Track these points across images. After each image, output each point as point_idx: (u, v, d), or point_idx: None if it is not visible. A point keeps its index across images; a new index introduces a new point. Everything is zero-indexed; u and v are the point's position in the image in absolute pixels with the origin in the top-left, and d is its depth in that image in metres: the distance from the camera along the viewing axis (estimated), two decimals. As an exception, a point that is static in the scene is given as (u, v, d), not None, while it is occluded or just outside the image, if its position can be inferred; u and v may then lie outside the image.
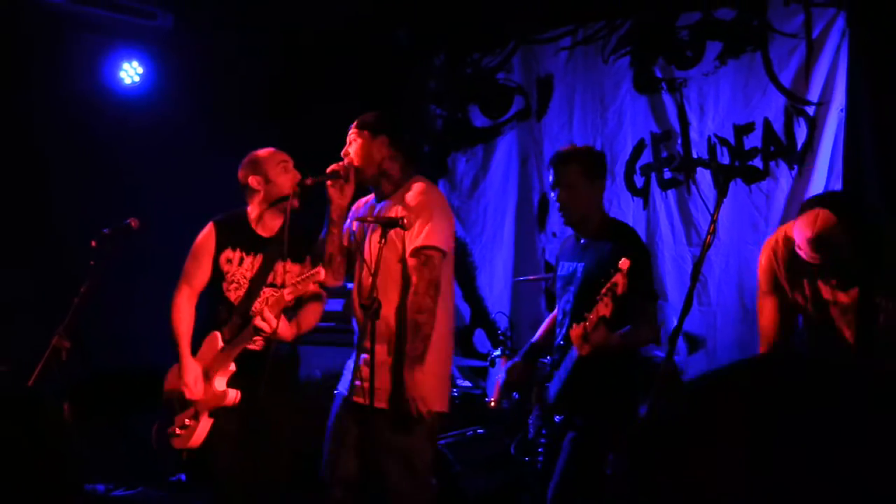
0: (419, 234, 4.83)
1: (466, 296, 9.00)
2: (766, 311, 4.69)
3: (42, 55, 7.67)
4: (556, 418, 5.07)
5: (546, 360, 5.36)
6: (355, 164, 5.06)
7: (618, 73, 8.10)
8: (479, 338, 8.87)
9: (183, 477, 7.35)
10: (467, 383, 7.97)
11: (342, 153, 5.15)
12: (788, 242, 4.52)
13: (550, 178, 5.17)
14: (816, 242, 4.23)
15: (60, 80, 7.77)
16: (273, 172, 5.41)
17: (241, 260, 5.43)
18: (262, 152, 5.51)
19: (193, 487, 7.20)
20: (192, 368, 5.34)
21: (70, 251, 7.14)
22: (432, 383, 4.90)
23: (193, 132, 8.11)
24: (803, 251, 4.29)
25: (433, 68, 9.19)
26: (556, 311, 5.43)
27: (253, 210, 5.49)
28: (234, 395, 5.27)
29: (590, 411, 4.98)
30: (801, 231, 4.29)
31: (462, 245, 9.01)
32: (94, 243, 6.15)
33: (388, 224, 4.69)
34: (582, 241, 5.19)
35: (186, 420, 5.36)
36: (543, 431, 5.21)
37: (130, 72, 8.10)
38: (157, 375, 6.56)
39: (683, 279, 7.48)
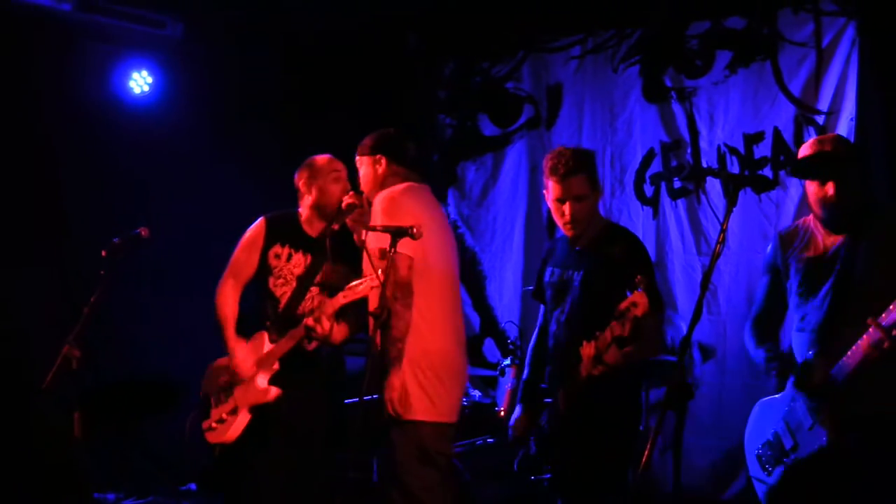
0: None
1: (476, 305, 8.98)
2: (759, 289, 4.90)
3: (52, 64, 7.69)
4: (566, 433, 4.99)
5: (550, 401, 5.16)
6: (363, 189, 5.23)
7: (627, 82, 8.09)
8: (489, 347, 8.85)
9: (193, 486, 7.35)
10: (477, 392, 7.95)
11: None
12: (794, 225, 4.70)
13: (554, 192, 4.96)
14: (818, 142, 4.56)
15: (70, 89, 7.79)
16: (325, 181, 5.57)
17: (290, 256, 5.59)
18: (319, 159, 5.70)
19: (204, 497, 7.20)
20: (240, 348, 5.50)
21: (80, 260, 7.17)
22: (415, 392, 4.91)
23: (203, 141, 8.13)
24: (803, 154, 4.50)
25: (443, 77, 9.18)
26: (537, 329, 5.38)
27: (304, 212, 5.65)
28: (275, 392, 5.35)
29: (599, 431, 4.89)
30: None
31: (472, 254, 9.00)
32: (104, 253, 6.16)
33: (398, 233, 4.64)
34: (577, 248, 5.03)
35: (224, 414, 5.47)
36: (543, 454, 5.15)
37: (140, 81, 8.11)
38: (167, 384, 6.59)
39: (693, 288, 7.47)
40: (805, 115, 7.21)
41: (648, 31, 7.97)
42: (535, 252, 8.49)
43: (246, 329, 5.56)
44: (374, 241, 4.79)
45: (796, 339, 4.66)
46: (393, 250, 4.56)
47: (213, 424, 5.50)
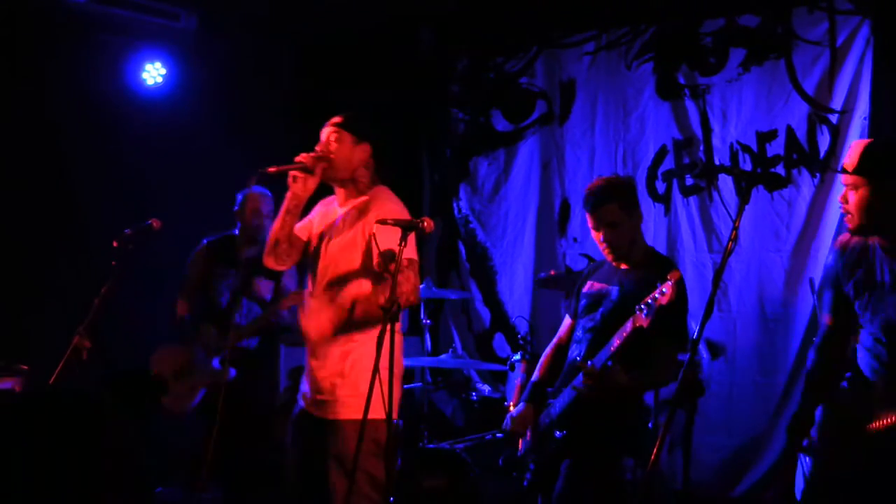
0: (410, 246, 4.70)
1: (486, 300, 8.99)
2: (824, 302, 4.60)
3: (65, 55, 7.70)
4: (557, 434, 5.00)
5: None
6: (332, 161, 4.88)
7: (641, 79, 8.09)
8: (499, 342, 8.86)
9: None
10: (487, 387, 7.97)
11: (317, 147, 4.95)
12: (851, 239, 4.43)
13: (590, 222, 5.00)
14: (863, 152, 4.21)
15: (83, 80, 7.80)
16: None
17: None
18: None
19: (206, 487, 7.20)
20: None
21: (92, 251, 7.18)
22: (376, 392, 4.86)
23: (215, 134, 8.13)
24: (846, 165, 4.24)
25: (456, 72, 9.19)
26: (557, 339, 5.36)
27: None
28: (229, 373, 6.12)
29: (593, 435, 4.89)
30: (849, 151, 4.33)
31: (483, 249, 9.01)
32: (115, 243, 6.18)
33: (409, 227, 4.62)
34: (622, 268, 5.05)
35: (183, 390, 6.45)
36: (534, 451, 5.15)
37: (153, 73, 8.11)
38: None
39: (704, 286, 7.45)
40: (818, 113, 7.20)
41: (662, 28, 7.97)
42: (546, 248, 8.51)
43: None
44: (385, 236, 4.74)
45: None
46: (404, 244, 4.54)
47: (173, 398, 6.46)
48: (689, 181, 7.82)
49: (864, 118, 6.96)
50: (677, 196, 7.86)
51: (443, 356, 7.25)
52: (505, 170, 8.92)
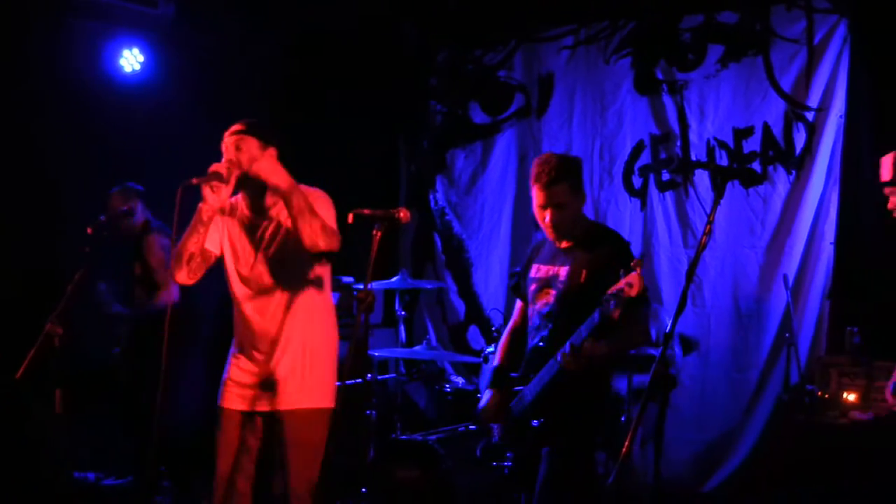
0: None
1: (462, 292, 9.00)
2: None
3: (42, 41, 7.64)
4: (534, 422, 5.01)
5: (520, 388, 5.13)
6: (244, 169, 4.82)
7: (619, 74, 8.10)
8: (474, 334, 8.87)
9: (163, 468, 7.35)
10: (460, 379, 7.97)
11: (224, 157, 4.90)
12: None
13: (537, 198, 4.95)
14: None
15: (60, 66, 7.74)
16: None
17: None
18: None
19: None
20: None
21: (68, 238, 7.15)
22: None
23: (194, 121, 8.07)
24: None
25: (435, 64, 9.18)
26: (512, 323, 5.38)
27: None
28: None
29: (571, 420, 4.90)
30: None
31: (459, 241, 9.01)
32: (89, 230, 6.15)
33: (385, 218, 4.64)
34: (563, 246, 5.04)
35: None
36: (510, 437, 5.17)
37: (131, 59, 8.06)
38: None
39: (679, 280, 7.49)
40: (795, 111, 7.24)
41: (641, 23, 7.98)
42: (523, 240, 8.52)
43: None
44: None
45: None
46: (379, 234, 4.56)
47: None
48: (665, 176, 7.84)
49: (841, 116, 7.00)
50: (653, 191, 7.89)
51: (417, 348, 7.25)
52: (482, 162, 8.93)
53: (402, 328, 7.60)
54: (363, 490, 6.58)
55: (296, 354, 4.90)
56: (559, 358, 4.73)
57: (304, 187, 4.89)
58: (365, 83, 8.80)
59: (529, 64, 8.67)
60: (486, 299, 8.84)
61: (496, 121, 8.85)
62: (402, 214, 4.60)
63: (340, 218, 4.77)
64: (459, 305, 9.00)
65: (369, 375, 7.12)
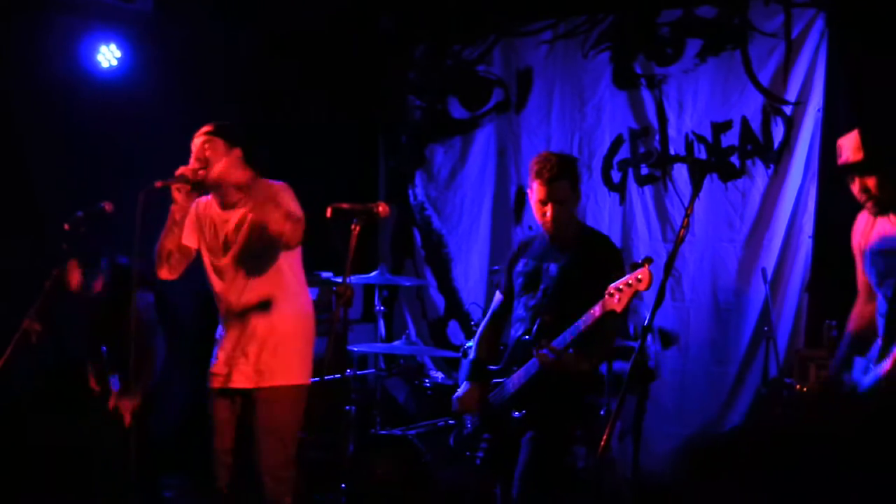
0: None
1: (441, 287, 9.00)
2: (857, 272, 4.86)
3: (17, 36, 7.59)
4: (516, 414, 5.03)
5: (499, 381, 5.20)
6: (209, 172, 5.14)
7: (598, 68, 8.11)
8: (453, 329, 8.87)
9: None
10: (440, 374, 7.97)
11: (192, 158, 5.20)
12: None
13: (539, 194, 5.04)
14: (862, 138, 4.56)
15: (35, 60, 7.69)
16: None
17: None
18: None
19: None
20: None
21: (45, 235, 7.11)
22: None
23: (171, 117, 8.03)
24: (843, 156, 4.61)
25: (413, 59, 9.17)
26: (491, 315, 5.46)
27: None
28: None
29: (554, 411, 4.97)
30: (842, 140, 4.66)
31: (438, 236, 9.01)
32: (66, 226, 6.13)
33: (364, 213, 4.69)
34: (556, 243, 5.14)
35: None
36: (485, 429, 5.19)
37: (108, 55, 8.01)
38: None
39: (658, 274, 7.47)
40: (773, 105, 7.26)
41: (620, 17, 7.99)
42: (502, 235, 8.53)
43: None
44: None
45: None
46: (357, 228, 4.62)
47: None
48: (644, 170, 7.85)
49: (819, 110, 7.03)
50: (632, 185, 7.90)
51: (396, 343, 7.25)
52: (461, 157, 8.92)
53: (381, 323, 7.59)
54: (342, 485, 6.57)
55: (267, 335, 5.21)
56: (542, 353, 4.77)
57: (266, 181, 5.24)
58: (343, 78, 8.78)
59: (508, 58, 8.66)
60: (465, 294, 8.84)
61: (475, 116, 8.84)
62: (380, 209, 4.73)
63: (319, 213, 4.77)
64: (439, 300, 9.00)
65: (348, 371, 7.11)
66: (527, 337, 5.03)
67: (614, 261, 4.97)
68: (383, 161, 9.41)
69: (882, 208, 4.54)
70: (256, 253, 5.18)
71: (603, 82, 8.08)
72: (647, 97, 7.84)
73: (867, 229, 4.69)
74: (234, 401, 5.27)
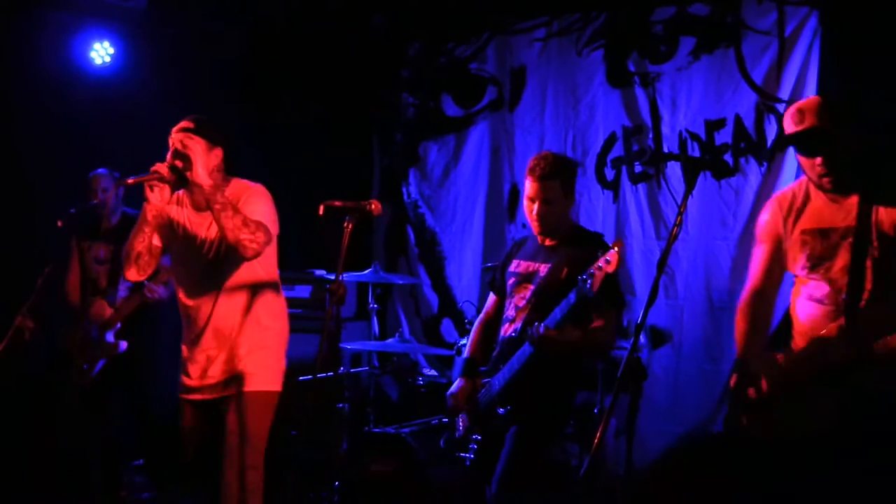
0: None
1: (435, 285, 8.99)
2: (756, 259, 4.63)
3: (10, 32, 7.59)
4: (500, 410, 5.04)
5: (487, 380, 5.19)
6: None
7: (591, 66, 8.10)
8: (447, 327, 8.87)
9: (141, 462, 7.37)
10: (434, 372, 7.97)
11: (169, 155, 4.94)
12: (791, 190, 4.47)
13: (529, 190, 5.09)
14: (797, 112, 4.25)
15: (29, 57, 7.69)
16: None
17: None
18: None
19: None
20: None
21: (39, 232, 7.11)
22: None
23: (164, 115, 8.01)
24: (786, 129, 4.29)
25: (407, 57, 9.17)
26: (484, 315, 5.46)
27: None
28: (124, 346, 6.60)
29: (538, 406, 4.98)
30: (787, 112, 4.33)
31: (432, 234, 9.01)
32: (60, 223, 6.12)
33: (357, 210, 4.68)
34: (547, 244, 5.17)
35: (85, 364, 6.61)
36: (475, 429, 5.18)
37: (101, 52, 8.01)
38: (123, 355, 6.61)
39: (651, 273, 7.50)
40: (766, 103, 7.25)
41: (613, 15, 7.99)
42: (495, 233, 8.52)
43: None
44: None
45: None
46: (350, 225, 4.60)
47: (76, 372, 6.63)
48: (637, 168, 7.85)
49: (812, 108, 7.02)
50: (626, 183, 7.90)
51: (390, 340, 7.24)
52: (454, 155, 8.92)
53: (374, 321, 7.59)
54: (336, 483, 6.57)
55: (239, 341, 5.03)
56: (531, 333, 4.77)
57: (241, 182, 5.05)
58: (337, 76, 8.78)
59: (502, 56, 8.66)
60: (459, 292, 8.84)
61: (469, 113, 8.84)
62: (373, 206, 4.71)
63: (313, 210, 4.76)
64: (433, 298, 9.00)
65: (342, 368, 7.11)
66: (514, 335, 5.04)
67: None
68: (377, 159, 9.41)
69: (838, 188, 4.25)
70: (227, 257, 4.97)
71: (596, 80, 8.08)
72: (640, 95, 7.84)
73: (791, 208, 4.43)
74: (204, 409, 5.09)
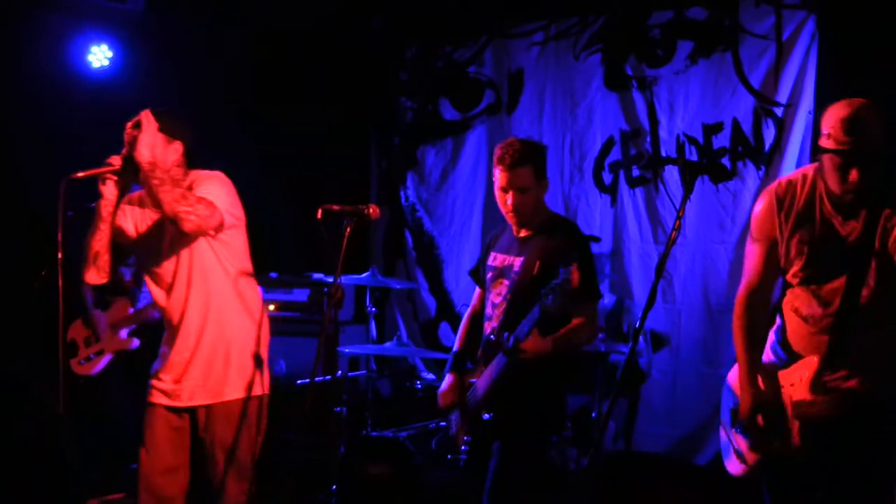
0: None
1: (433, 289, 9.00)
2: (751, 256, 4.46)
3: (9, 35, 7.59)
4: (485, 416, 4.96)
5: (474, 381, 5.10)
6: (144, 160, 4.48)
7: (589, 70, 8.11)
8: (444, 331, 8.87)
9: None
10: (431, 376, 7.97)
11: (125, 148, 4.72)
12: (792, 186, 4.22)
13: (500, 181, 4.92)
14: (851, 122, 3.94)
15: (26, 61, 7.69)
16: None
17: None
18: None
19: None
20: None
21: (36, 236, 7.10)
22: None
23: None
24: (833, 136, 3.97)
25: (405, 60, 9.17)
26: (471, 309, 5.40)
27: None
28: (136, 343, 6.86)
29: (522, 417, 4.87)
30: (834, 112, 4.03)
31: (430, 238, 9.01)
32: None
33: (355, 213, 4.66)
34: (521, 235, 5.04)
35: (91, 354, 6.87)
36: (466, 430, 5.14)
37: (99, 55, 8.01)
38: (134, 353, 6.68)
39: (649, 277, 7.51)
40: (764, 106, 7.27)
41: (611, 19, 8.00)
42: (493, 237, 8.52)
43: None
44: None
45: None
46: (348, 229, 4.57)
47: (81, 361, 6.90)
48: (635, 172, 7.86)
49: (809, 112, 7.04)
50: (624, 187, 7.90)
51: (388, 344, 7.24)
52: (452, 159, 8.93)
53: (372, 324, 7.58)
54: (333, 487, 6.57)
55: (216, 347, 4.78)
56: (503, 345, 4.73)
57: (201, 172, 4.83)
58: (335, 79, 8.78)
59: (500, 60, 8.67)
60: (456, 296, 8.84)
61: (466, 117, 8.85)
62: (371, 210, 4.65)
63: (311, 214, 4.75)
64: (430, 302, 9.00)
65: (339, 372, 7.11)
66: (492, 337, 4.97)
67: (572, 249, 4.75)
68: (375, 162, 9.41)
69: (857, 203, 4.00)
70: (192, 256, 4.73)
71: (594, 84, 8.09)
72: (638, 99, 7.85)
73: (791, 208, 4.21)
74: (179, 417, 4.81)
